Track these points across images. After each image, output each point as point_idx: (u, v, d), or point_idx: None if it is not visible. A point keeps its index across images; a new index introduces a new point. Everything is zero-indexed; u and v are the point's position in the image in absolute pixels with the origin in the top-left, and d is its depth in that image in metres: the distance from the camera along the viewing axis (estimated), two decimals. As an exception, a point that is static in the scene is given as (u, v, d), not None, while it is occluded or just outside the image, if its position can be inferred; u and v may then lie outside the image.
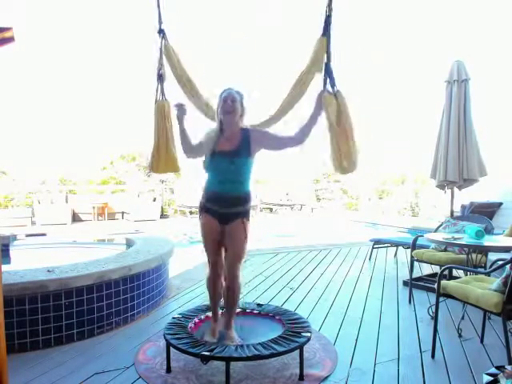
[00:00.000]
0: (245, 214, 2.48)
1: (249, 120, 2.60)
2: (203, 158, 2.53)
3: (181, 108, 2.60)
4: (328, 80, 2.47)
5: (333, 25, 2.51)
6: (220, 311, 2.68)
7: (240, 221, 2.45)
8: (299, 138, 2.49)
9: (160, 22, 2.76)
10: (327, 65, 2.50)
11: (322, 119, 2.46)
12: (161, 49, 2.76)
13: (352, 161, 2.42)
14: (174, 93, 2.81)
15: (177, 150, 2.84)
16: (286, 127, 2.69)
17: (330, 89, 2.46)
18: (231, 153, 2.42)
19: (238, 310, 2.71)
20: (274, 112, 2.70)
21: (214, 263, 2.57)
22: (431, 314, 3.28)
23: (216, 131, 2.50)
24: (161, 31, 2.77)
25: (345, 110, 2.41)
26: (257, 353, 2.16)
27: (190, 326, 2.58)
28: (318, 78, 2.57)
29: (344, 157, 2.41)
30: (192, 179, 13.32)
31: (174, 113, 2.70)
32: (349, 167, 2.44)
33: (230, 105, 2.41)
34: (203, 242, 2.58)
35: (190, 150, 2.66)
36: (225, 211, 2.45)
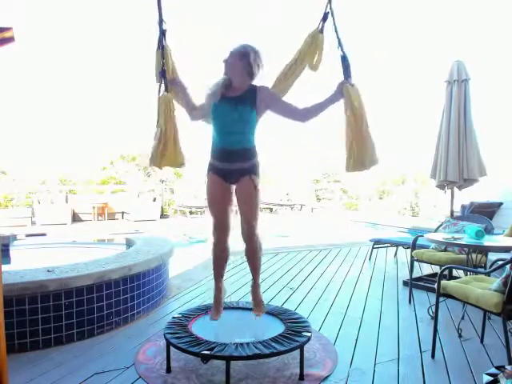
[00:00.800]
0: (253, 170, 2.43)
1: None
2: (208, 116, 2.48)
3: (173, 81, 2.59)
4: (344, 71, 2.45)
5: (338, 20, 2.49)
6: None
7: (249, 177, 2.41)
8: (305, 115, 2.45)
9: (161, 21, 2.73)
10: (344, 56, 2.46)
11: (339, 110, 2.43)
12: (163, 47, 2.72)
13: (371, 155, 2.38)
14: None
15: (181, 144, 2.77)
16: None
17: (351, 80, 2.43)
18: (235, 99, 2.37)
19: (243, 306, 2.71)
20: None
21: (219, 225, 2.50)
22: (431, 313, 3.28)
23: (223, 81, 2.43)
24: (162, 31, 2.74)
25: (362, 103, 2.38)
26: (257, 352, 2.16)
27: (189, 325, 2.57)
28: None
29: (363, 151, 2.36)
30: (192, 179, 13.35)
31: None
32: (369, 163, 2.39)
33: (229, 62, 2.38)
34: (209, 204, 2.51)
35: (195, 110, 2.60)
36: (232, 167, 2.41)
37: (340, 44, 2.49)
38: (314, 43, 2.57)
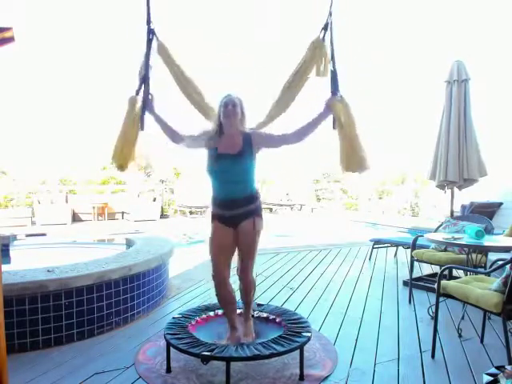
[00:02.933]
0: (255, 212, 2.50)
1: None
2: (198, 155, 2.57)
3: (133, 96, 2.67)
4: (332, 85, 2.54)
5: (335, 30, 2.57)
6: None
7: (252, 219, 2.47)
8: (299, 137, 2.55)
9: (149, 22, 2.74)
10: (334, 71, 2.55)
11: (328, 122, 2.52)
12: (148, 50, 2.74)
13: (360, 163, 2.45)
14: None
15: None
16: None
17: (338, 93, 2.52)
18: (236, 154, 2.45)
19: (239, 310, 2.70)
20: (264, 117, 2.73)
21: (220, 270, 2.51)
22: (431, 313, 3.28)
23: (215, 135, 2.53)
24: (150, 31, 2.75)
25: (350, 115, 2.46)
26: (257, 353, 2.16)
27: (189, 326, 2.57)
28: (313, 82, 2.60)
29: (352, 159, 2.44)
30: (192, 179, 13.34)
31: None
32: (357, 169, 2.47)
33: (231, 109, 2.46)
34: (210, 250, 2.54)
35: (175, 138, 2.67)
36: (235, 213, 2.47)
37: (333, 58, 2.55)
38: (317, 52, 2.59)
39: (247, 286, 2.59)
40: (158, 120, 2.69)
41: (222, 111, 2.48)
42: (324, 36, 2.61)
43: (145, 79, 2.71)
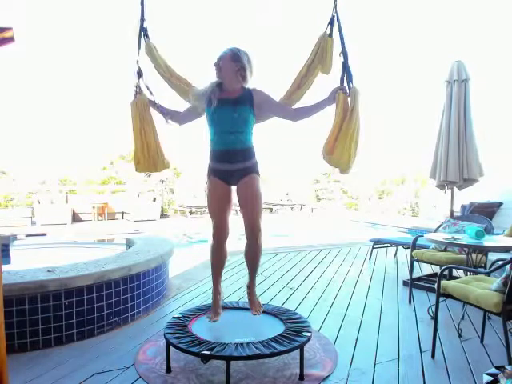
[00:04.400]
0: (254, 169, 2.48)
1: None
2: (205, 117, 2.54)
3: (153, 106, 2.71)
4: (346, 77, 2.50)
5: (343, 24, 2.54)
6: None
7: (251, 176, 2.45)
8: (296, 115, 2.54)
9: (142, 20, 2.75)
10: (345, 63, 2.51)
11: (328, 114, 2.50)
12: (139, 46, 2.76)
13: (347, 161, 2.42)
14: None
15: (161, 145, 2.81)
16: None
17: (346, 87, 2.49)
18: (233, 100, 2.43)
19: (238, 306, 2.70)
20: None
21: (219, 228, 2.51)
22: (431, 313, 3.28)
23: (215, 85, 2.49)
24: (143, 29, 2.76)
25: (356, 109, 2.42)
26: (257, 352, 2.16)
27: (190, 325, 2.57)
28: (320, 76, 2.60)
29: (341, 154, 2.41)
30: (192, 179, 13.34)
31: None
32: (343, 166, 2.45)
33: (217, 63, 2.44)
34: (209, 207, 2.54)
35: (182, 118, 2.71)
36: (232, 167, 2.44)
37: (344, 51, 2.51)
38: (323, 48, 2.58)
39: (254, 249, 2.53)
40: (159, 107, 2.72)
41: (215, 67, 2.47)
42: (331, 31, 2.58)
43: (140, 75, 2.72)
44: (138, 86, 2.75)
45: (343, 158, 2.41)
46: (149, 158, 2.73)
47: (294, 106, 2.63)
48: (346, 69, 2.51)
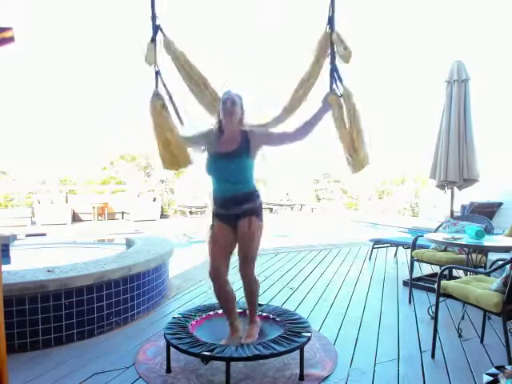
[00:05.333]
0: (253, 212, 2.48)
1: (250, 120, 2.62)
2: (204, 159, 2.54)
3: (157, 95, 2.62)
4: (335, 79, 2.54)
5: (336, 24, 2.57)
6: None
7: (251, 218, 2.46)
8: (300, 136, 2.56)
9: (154, 17, 2.72)
10: (333, 64, 2.55)
11: (328, 119, 2.54)
12: (155, 43, 2.73)
13: (362, 156, 2.47)
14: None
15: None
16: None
17: (336, 89, 2.54)
18: (230, 153, 2.45)
19: (239, 310, 2.70)
20: (279, 112, 2.72)
21: (216, 272, 2.50)
22: (431, 314, 3.28)
23: (215, 133, 2.54)
24: (156, 27, 2.73)
25: (353, 108, 2.47)
26: (257, 353, 2.16)
27: (190, 325, 2.57)
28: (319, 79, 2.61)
29: (355, 152, 2.47)
30: (192, 179, 13.34)
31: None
32: (361, 163, 2.49)
33: (230, 107, 2.45)
34: (209, 249, 2.54)
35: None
36: (233, 212, 2.47)
37: (332, 54, 2.55)
38: (326, 44, 2.59)
39: (248, 285, 2.57)
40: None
41: (222, 108, 2.47)
42: (330, 29, 2.60)
43: (157, 75, 2.69)
44: (158, 85, 2.72)
45: (365, 155, 2.49)
46: (172, 155, 2.70)
47: (294, 122, 2.65)
48: (334, 71, 2.55)
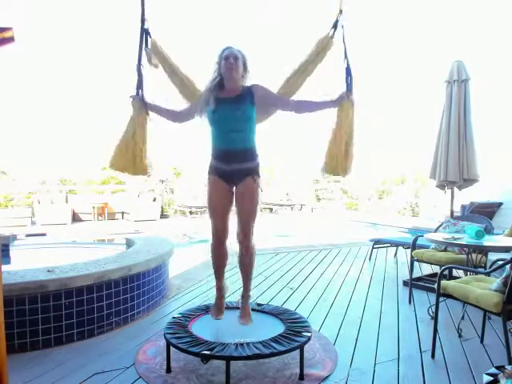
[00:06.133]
0: (254, 171, 2.46)
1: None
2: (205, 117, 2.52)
3: (135, 97, 2.69)
4: (349, 83, 2.55)
5: (346, 29, 2.59)
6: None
7: (250, 178, 2.44)
8: (299, 107, 2.55)
9: (143, 21, 2.74)
10: (348, 69, 2.55)
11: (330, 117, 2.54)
12: (141, 46, 2.75)
13: (346, 166, 2.49)
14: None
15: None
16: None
17: (352, 96, 2.53)
18: (235, 98, 2.42)
19: (238, 309, 2.70)
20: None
21: (219, 228, 2.49)
22: (431, 314, 3.28)
23: (214, 87, 2.48)
24: (144, 30, 2.75)
25: (352, 117, 2.49)
26: (257, 352, 2.16)
27: (189, 324, 2.57)
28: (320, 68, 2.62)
29: (339, 160, 2.48)
30: (192, 179, 13.34)
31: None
32: (342, 171, 2.51)
33: (233, 62, 2.41)
34: (209, 206, 2.52)
35: (178, 117, 2.69)
36: (234, 167, 2.43)
37: (346, 56, 2.54)
38: (324, 47, 2.61)
39: (247, 251, 2.50)
40: (158, 110, 2.72)
41: (223, 64, 2.42)
42: (333, 34, 2.62)
43: (139, 77, 2.72)
44: (138, 89, 2.75)
45: (349, 161, 2.50)
46: (130, 157, 2.69)
47: (296, 98, 2.64)
48: (348, 74, 2.55)
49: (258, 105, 2.47)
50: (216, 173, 2.51)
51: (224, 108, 2.42)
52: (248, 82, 2.54)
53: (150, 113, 2.77)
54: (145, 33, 2.74)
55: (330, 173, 2.54)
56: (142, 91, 2.77)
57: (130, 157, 2.67)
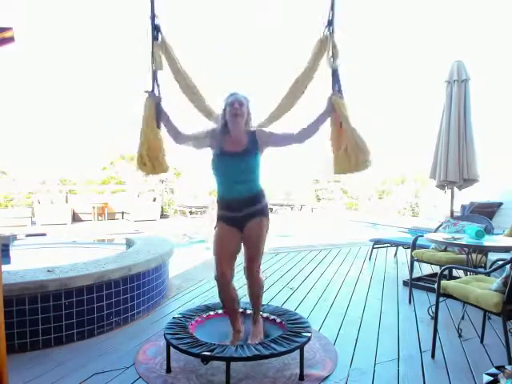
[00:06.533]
0: (262, 212, 2.48)
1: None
2: (209, 160, 2.52)
3: (152, 94, 2.61)
4: (336, 84, 2.54)
5: (337, 27, 2.57)
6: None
7: (259, 219, 2.45)
8: (303, 137, 2.54)
9: (153, 16, 2.71)
10: (335, 68, 2.54)
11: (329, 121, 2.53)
12: (154, 47, 2.73)
13: (364, 158, 2.47)
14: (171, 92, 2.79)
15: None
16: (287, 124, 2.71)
17: (337, 91, 2.53)
18: (241, 152, 2.43)
19: (240, 310, 2.69)
20: (272, 110, 2.73)
21: (221, 273, 2.47)
22: (431, 314, 3.28)
23: (221, 132, 2.51)
24: (155, 27, 2.72)
25: (346, 112, 2.47)
26: (257, 353, 2.16)
27: (190, 325, 2.57)
28: (317, 80, 2.61)
29: (357, 153, 2.45)
30: (192, 179, 13.34)
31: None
32: (362, 165, 2.48)
33: (238, 108, 2.43)
34: (214, 251, 2.51)
35: (178, 137, 2.65)
36: (241, 214, 2.45)
37: (334, 55, 2.53)
38: (323, 47, 2.59)
39: (254, 286, 2.54)
40: (165, 119, 2.67)
41: (228, 110, 2.44)
42: (329, 31, 2.59)
43: (154, 76, 2.68)
44: (154, 84, 2.71)
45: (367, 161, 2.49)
46: (149, 159, 2.70)
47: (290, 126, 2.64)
48: (335, 75, 2.54)
49: (262, 150, 2.50)
50: (223, 219, 2.52)
51: (229, 162, 2.43)
52: (251, 124, 2.55)
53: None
54: (156, 29, 2.71)
55: (350, 171, 2.52)
56: (158, 88, 2.72)
57: (153, 156, 2.66)
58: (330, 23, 2.58)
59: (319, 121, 2.52)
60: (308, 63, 2.62)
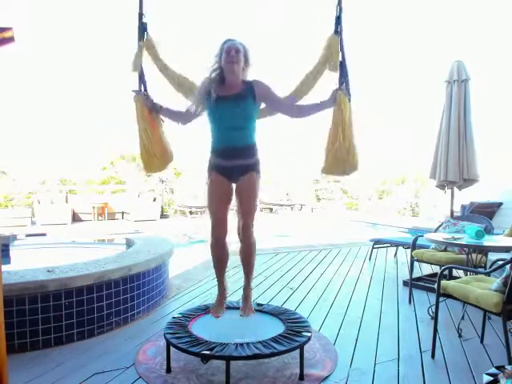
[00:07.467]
0: (255, 167, 2.46)
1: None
2: (206, 112, 2.50)
3: (139, 93, 2.66)
4: (344, 77, 2.53)
5: (344, 25, 2.57)
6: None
7: (252, 174, 2.43)
8: (299, 112, 2.53)
9: (141, 15, 2.72)
10: (342, 65, 2.54)
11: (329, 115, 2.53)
12: (140, 43, 2.74)
13: (354, 162, 2.47)
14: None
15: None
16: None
17: (344, 88, 2.51)
18: (236, 96, 2.39)
19: (238, 309, 2.70)
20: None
21: (220, 224, 2.48)
22: (431, 314, 3.28)
23: (214, 79, 2.45)
24: (142, 25, 2.73)
25: (348, 113, 2.48)
26: (257, 352, 2.15)
27: (189, 324, 2.57)
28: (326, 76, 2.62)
29: (346, 155, 2.46)
30: (192, 179, 13.34)
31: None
32: (350, 168, 2.48)
33: (234, 55, 2.38)
34: (209, 201, 2.51)
35: (185, 117, 2.67)
36: (234, 164, 2.42)
37: (342, 50, 2.52)
38: (330, 46, 2.59)
39: (248, 247, 2.51)
40: (165, 113, 2.70)
41: (224, 57, 2.39)
42: (336, 30, 2.59)
43: (141, 75, 2.71)
44: (140, 87, 2.74)
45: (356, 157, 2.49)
46: (151, 155, 2.74)
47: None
48: (343, 69, 2.53)
49: (259, 100, 2.46)
50: (216, 169, 2.50)
51: (224, 106, 2.40)
52: (249, 77, 2.51)
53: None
54: (142, 28, 2.73)
55: (335, 173, 2.54)
56: (145, 88, 2.75)
57: (152, 153, 2.72)
58: (338, 21, 2.56)
59: (318, 106, 2.50)
60: (319, 62, 2.60)
